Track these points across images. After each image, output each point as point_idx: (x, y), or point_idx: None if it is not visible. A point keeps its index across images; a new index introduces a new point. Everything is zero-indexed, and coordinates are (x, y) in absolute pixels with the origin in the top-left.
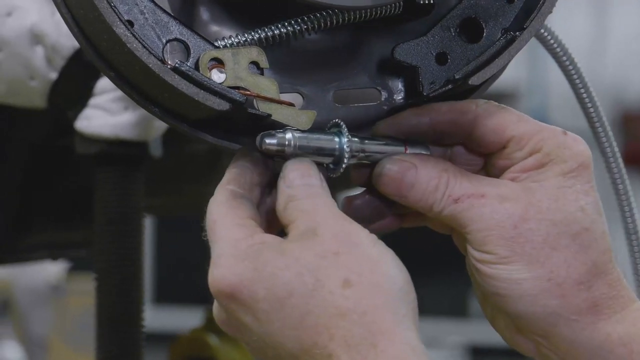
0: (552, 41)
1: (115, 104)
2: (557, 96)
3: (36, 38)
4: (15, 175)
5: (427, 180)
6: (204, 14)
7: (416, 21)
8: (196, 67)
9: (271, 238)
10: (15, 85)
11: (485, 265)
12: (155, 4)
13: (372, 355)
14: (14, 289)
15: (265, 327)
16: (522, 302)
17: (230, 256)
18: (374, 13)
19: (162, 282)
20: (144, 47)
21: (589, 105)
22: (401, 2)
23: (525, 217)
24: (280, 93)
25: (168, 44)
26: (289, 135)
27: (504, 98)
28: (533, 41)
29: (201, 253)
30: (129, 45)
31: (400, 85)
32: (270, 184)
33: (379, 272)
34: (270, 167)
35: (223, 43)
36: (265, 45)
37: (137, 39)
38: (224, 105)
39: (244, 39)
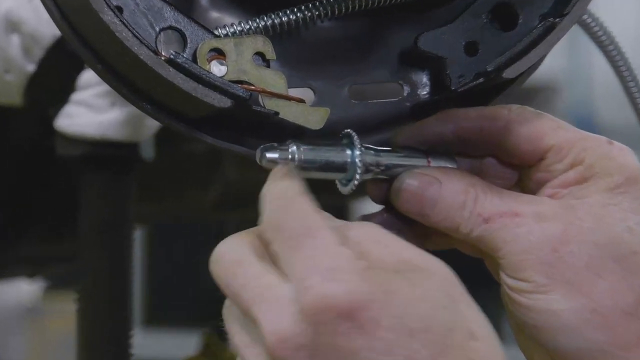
0: (596, 28)
1: (101, 99)
2: (601, 88)
3: (12, 26)
4: None
5: (452, 197)
6: None
7: (443, 6)
8: (194, 58)
9: (390, 263)
10: None
11: (521, 295)
12: None
13: None
14: None
15: (381, 358)
16: (561, 336)
17: (353, 272)
18: None
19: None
20: (135, 36)
21: (639, 99)
22: None
23: (566, 239)
24: (289, 88)
25: (162, 33)
26: (293, 149)
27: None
28: (574, 28)
29: (199, 269)
30: (117, 34)
31: (424, 79)
32: None
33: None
34: None
35: (224, 32)
36: (272, 34)
37: (126, 27)
38: (225, 102)
39: (248, 27)
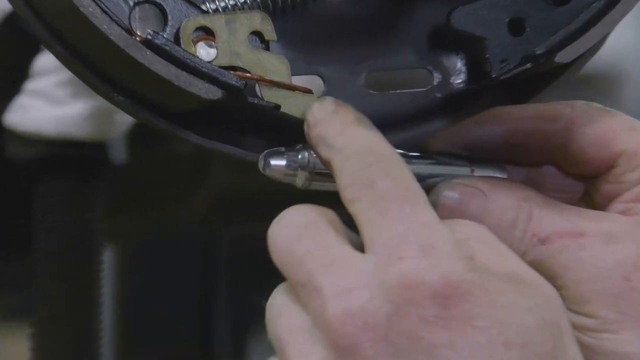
0: None
1: (61, 89)
2: None
3: None
4: None
5: (500, 213)
6: None
7: None
8: (176, 39)
9: (499, 270)
10: None
11: (584, 333)
12: None
13: None
14: None
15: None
16: None
17: (455, 256)
18: None
19: (127, 338)
20: (104, 11)
21: None
22: None
23: None
24: (293, 75)
25: (137, 8)
26: (304, 155)
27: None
28: None
29: (183, 296)
30: (82, 9)
31: (459, 64)
32: None
33: None
34: None
35: (213, 6)
36: (272, 9)
37: (94, 0)
38: (214, 93)
39: (243, 0)
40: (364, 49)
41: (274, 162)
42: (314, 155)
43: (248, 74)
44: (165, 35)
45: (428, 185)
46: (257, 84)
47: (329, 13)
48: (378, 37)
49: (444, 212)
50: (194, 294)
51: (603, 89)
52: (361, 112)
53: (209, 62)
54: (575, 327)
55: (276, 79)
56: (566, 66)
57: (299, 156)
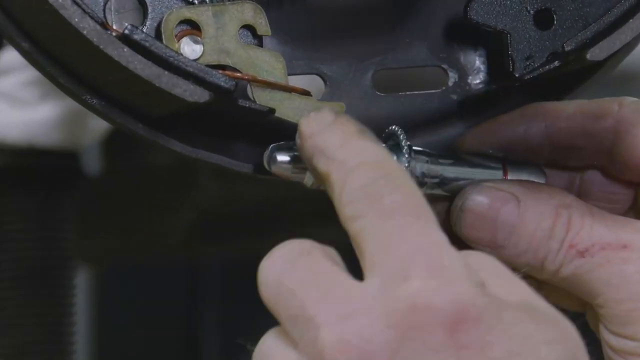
0: None
1: (27, 90)
2: None
3: None
4: None
5: (536, 221)
6: None
7: None
8: (157, 34)
9: (512, 301)
10: None
11: (626, 358)
12: None
13: None
14: None
15: None
16: None
17: (467, 280)
18: None
19: None
20: (75, 2)
21: None
22: None
23: None
24: (290, 75)
25: None
26: None
27: None
28: None
29: (165, 326)
30: (51, 0)
31: (477, 62)
32: None
33: None
34: None
35: None
36: None
37: None
38: (200, 95)
39: None
40: (371, 44)
41: (280, 157)
42: None
43: (239, 74)
44: (145, 30)
45: (455, 188)
46: (248, 85)
47: (330, 4)
48: (386, 31)
49: (471, 218)
50: (178, 323)
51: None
52: (367, 115)
53: (195, 60)
54: (615, 350)
55: (270, 79)
56: (599, 65)
57: None
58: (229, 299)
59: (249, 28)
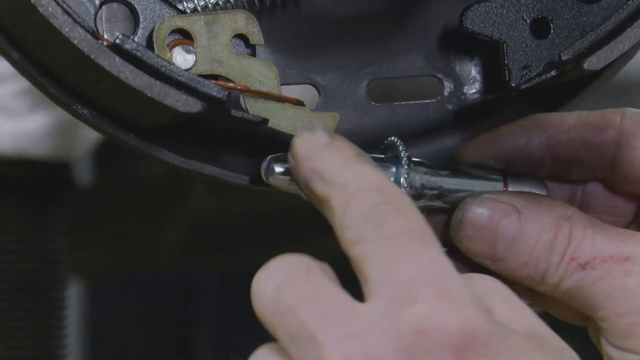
0: None
1: (17, 100)
2: None
3: None
4: None
5: (537, 234)
6: None
7: None
8: (149, 44)
9: (517, 327)
10: None
11: None
12: None
13: None
14: None
15: None
16: None
17: (473, 305)
18: None
19: None
20: (65, 12)
21: None
22: None
23: None
24: (284, 85)
25: (104, 8)
26: None
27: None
28: None
29: (158, 340)
30: (41, 9)
31: (473, 72)
32: None
33: None
34: None
35: (191, 5)
36: (258, 7)
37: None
38: (192, 105)
39: None
40: (365, 53)
41: (278, 168)
42: None
43: (231, 84)
44: (136, 39)
45: (454, 200)
46: (241, 95)
47: (324, 12)
48: (381, 41)
49: (471, 230)
50: (171, 335)
51: (638, 99)
52: (362, 125)
53: (187, 70)
54: None
55: (263, 89)
56: (596, 74)
57: None
58: (222, 311)
59: (241, 37)
